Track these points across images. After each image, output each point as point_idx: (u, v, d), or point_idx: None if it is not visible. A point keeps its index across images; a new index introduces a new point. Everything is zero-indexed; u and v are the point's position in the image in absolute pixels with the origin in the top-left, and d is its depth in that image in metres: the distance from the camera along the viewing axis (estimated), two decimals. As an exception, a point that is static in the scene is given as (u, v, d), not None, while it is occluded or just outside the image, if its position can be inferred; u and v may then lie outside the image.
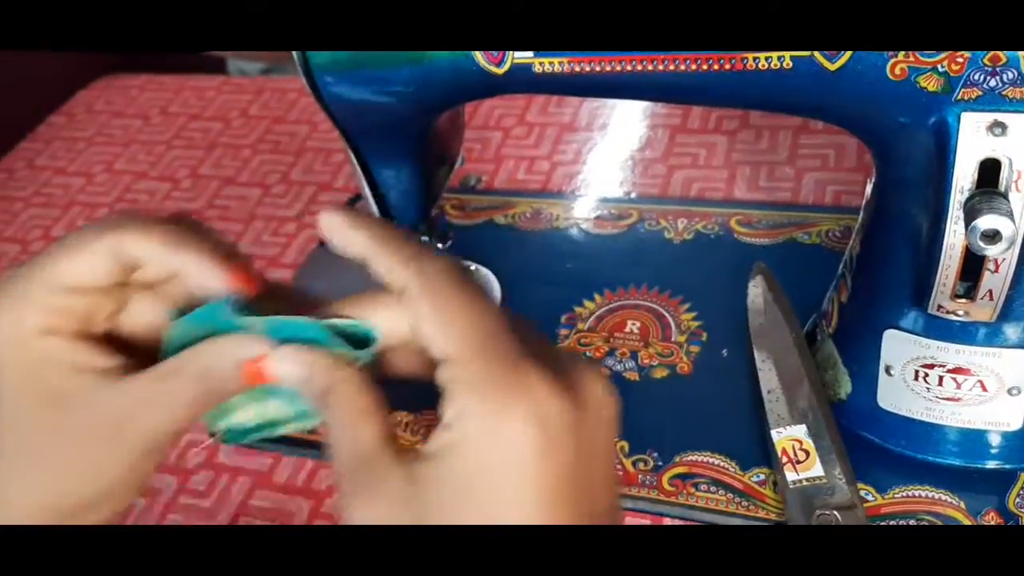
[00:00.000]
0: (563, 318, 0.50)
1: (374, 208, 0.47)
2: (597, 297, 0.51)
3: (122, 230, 0.27)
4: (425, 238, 0.49)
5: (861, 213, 0.39)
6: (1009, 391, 0.37)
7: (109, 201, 0.69)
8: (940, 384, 0.37)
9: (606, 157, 0.61)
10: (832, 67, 0.31)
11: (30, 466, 0.28)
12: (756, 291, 0.47)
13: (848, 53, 0.31)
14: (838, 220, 0.52)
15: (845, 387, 0.41)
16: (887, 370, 0.38)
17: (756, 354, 0.44)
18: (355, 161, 0.45)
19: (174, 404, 0.27)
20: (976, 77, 0.30)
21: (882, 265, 0.37)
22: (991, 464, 0.39)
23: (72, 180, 0.72)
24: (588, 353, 0.48)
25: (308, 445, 0.47)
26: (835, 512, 0.37)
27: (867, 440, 0.40)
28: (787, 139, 0.59)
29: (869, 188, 0.38)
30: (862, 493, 0.39)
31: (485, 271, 0.54)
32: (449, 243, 0.50)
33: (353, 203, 0.48)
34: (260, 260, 0.60)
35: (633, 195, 0.57)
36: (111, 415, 0.27)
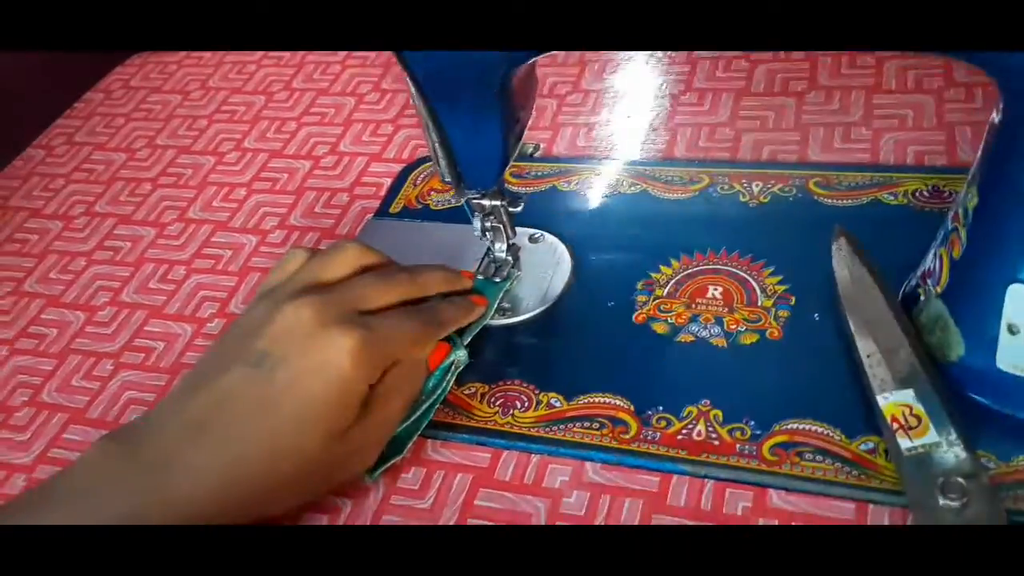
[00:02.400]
0: (639, 284, 0.48)
1: (446, 174, 0.45)
2: (673, 263, 0.49)
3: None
4: (498, 203, 0.47)
5: (976, 163, 0.37)
6: None
7: (152, 176, 0.67)
8: (1067, 343, 0.35)
9: (667, 122, 0.59)
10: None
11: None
12: (840, 254, 0.44)
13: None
14: (924, 180, 0.49)
15: (957, 349, 0.39)
16: (1009, 329, 0.36)
17: (849, 318, 0.42)
18: (429, 124, 0.42)
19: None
20: None
21: (1006, 215, 0.35)
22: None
23: (113, 156, 0.70)
24: (670, 320, 0.46)
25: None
26: (959, 479, 0.35)
27: (982, 405, 0.38)
28: (859, 99, 0.56)
29: (983, 140, 0.36)
30: (981, 460, 0.37)
31: (552, 238, 0.52)
32: (521, 206, 0.48)
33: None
34: (314, 231, 0.58)
35: (700, 159, 0.55)
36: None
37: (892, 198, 0.49)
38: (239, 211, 0.62)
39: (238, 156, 0.67)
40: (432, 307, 0.44)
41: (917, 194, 0.49)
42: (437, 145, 0.43)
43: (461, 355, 0.44)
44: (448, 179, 0.45)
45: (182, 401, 0.39)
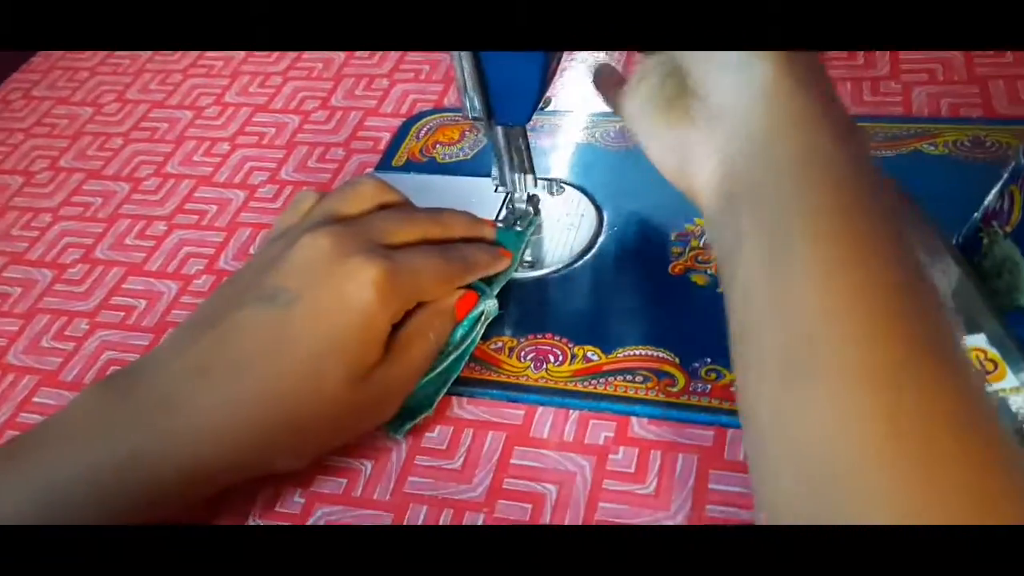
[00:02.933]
0: (673, 235, 0.45)
1: (474, 108, 0.41)
2: (707, 214, 0.46)
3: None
4: (522, 144, 0.43)
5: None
6: None
7: (124, 131, 0.62)
8: None
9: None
10: None
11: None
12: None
13: None
14: (964, 131, 0.47)
15: (1028, 291, 0.36)
16: (1098, 262, 0.34)
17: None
18: (460, 53, 0.39)
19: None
20: None
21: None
22: None
23: (78, 110, 0.64)
24: (709, 271, 0.43)
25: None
26: (1048, 422, 0.32)
27: (1054, 350, 0.36)
28: (884, 54, 0.54)
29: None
30: (1060, 405, 0.35)
31: (572, 190, 0.49)
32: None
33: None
34: (310, 185, 0.54)
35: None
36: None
37: (932, 148, 0.47)
38: (223, 165, 0.57)
39: (219, 111, 0.62)
40: (458, 248, 0.40)
41: (958, 144, 0.47)
42: (467, 73, 0.40)
43: (491, 304, 0.41)
44: (476, 113, 0.41)
45: (185, 340, 0.35)
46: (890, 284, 0.26)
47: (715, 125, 0.31)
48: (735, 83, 0.30)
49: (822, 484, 0.24)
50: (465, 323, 0.40)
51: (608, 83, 0.40)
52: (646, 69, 0.35)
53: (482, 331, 0.41)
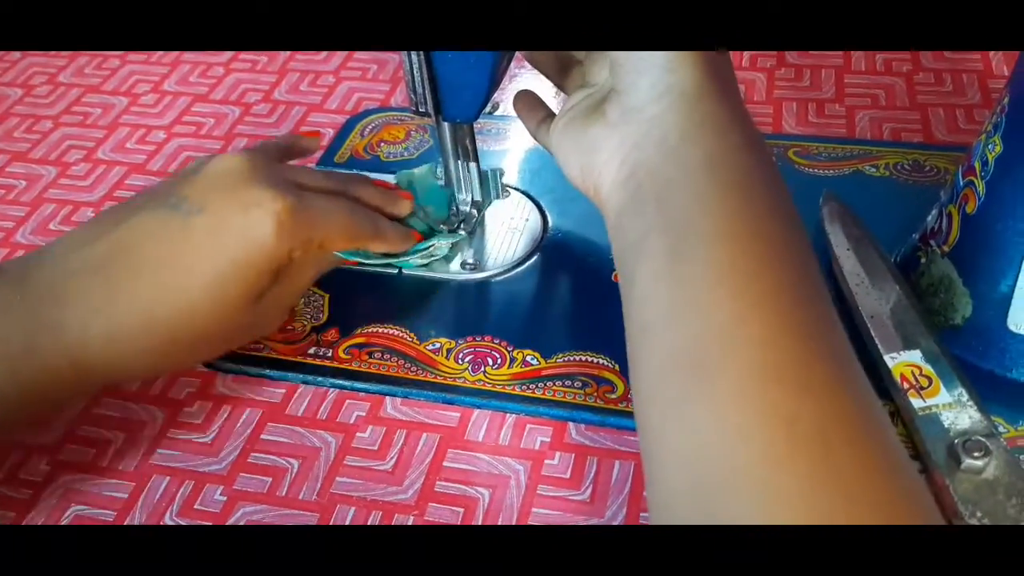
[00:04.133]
0: (617, 244, 0.45)
1: (423, 102, 0.40)
2: (652, 224, 0.46)
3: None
4: (468, 143, 0.43)
5: (997, 112, 0.35)
6: None
7: (54, 114, 0.59)
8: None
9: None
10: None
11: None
12: (832, 219, 0.43)
13: None
14: (905, 154, 0.48)
15: (963, 310, 0.37)
16: (1032, 281, 0.34)
17: (848, 280, 0.40)
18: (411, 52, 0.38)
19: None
20: None
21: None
22: None
23: (7, 91, 0.62)
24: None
25: (325, 373, 0.40)
26: (980, 438, 0.33)
27: (985, 370, 0.37)
28: (830, 77, 0.55)
29: (1003, 97, 0.34)
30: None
31: (518, 195, 0.49)
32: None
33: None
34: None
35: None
36: None
37: (874, 170, 0.48)
38: (158, 154, 0.55)
39: (156, 98, 0.60)
40: (369, 212, 0.41)
41: (899, 167, 0.48)
42: (416, 69, 0.39)
43: (442, 243, 0.43)
44: (424, 108, 0.40)
45: (84, 237, 0.35)
46: (793, 290, 0.26)
47: (630, 121, 0.31)
48: (654, 83, 0.30)
49: (717, 483, 0.24)
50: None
51: (531, 111, 0.41)
52: (573, 100, 0.36)
53: (427, 261, 0.44)
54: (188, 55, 0.64)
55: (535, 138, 0.40)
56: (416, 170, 0.46)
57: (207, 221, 0.35)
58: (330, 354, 0.40)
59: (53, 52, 0.65)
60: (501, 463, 0.36)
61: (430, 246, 0.42)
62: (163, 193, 0.36)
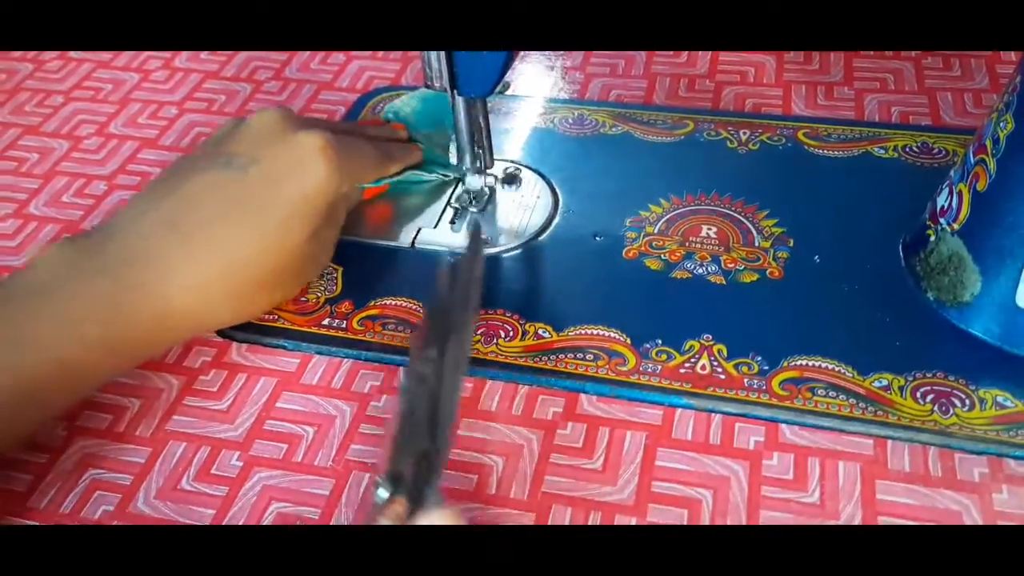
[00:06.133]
0: (627, 221, 0.45)
1: (438, 76, 0.40)
2: (663, 202, 0.46)
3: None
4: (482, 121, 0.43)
5: (1009, 91, 0.36)
6: None
7: (65, 89, 0.59)
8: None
9: (643, 70, 0.57)
10: None
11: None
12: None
13: None
14: (913, 136, 0.49)
15: (972, 287, 0.37)
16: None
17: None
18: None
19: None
20: None
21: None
22: None
23: (17, 65, 0.62)
24: (664, 256, 0.43)
25: (339, 343, 0.40)
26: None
27: (994, 347, 0.37)
28: (839, 61, 0.56)
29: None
30: (999, 399, 0.35)
31: (529, 173, 0.49)
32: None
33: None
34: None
35: (682, 107, 0.53)
36: None
37: (882, 152, 0.48)
38: (170, 129, 0.55)
39: (167, 74, 0.60)
40: (380, 142, 0.45)
41: (907, 149, 0.48)
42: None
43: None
44: (439, 83, 0.41)
45: (149, 202, 0.38)
46: None
47: None
48: None
49: None
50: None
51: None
52: None
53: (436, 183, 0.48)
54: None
55: None
56: (396, 102, 0.50)
57: (264, 169, 0.38)
58: (344, 325, 0.41)
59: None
60: (514, 432, 0.37)
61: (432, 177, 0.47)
62: (208, 156, 0.39)
